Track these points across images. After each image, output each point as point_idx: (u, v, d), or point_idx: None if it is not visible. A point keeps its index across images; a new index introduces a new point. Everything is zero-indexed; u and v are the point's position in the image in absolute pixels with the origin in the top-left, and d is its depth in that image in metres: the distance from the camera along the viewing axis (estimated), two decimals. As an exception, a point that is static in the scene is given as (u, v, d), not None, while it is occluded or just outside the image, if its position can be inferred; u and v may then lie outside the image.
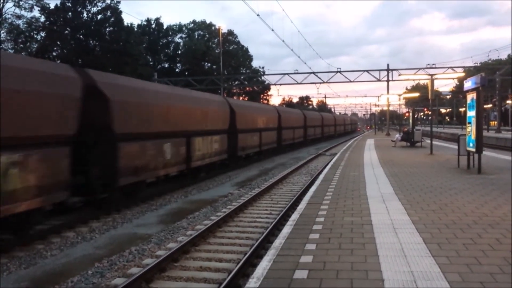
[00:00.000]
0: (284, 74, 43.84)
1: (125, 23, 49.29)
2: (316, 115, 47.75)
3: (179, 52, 63.04)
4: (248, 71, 68.28)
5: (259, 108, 27.68)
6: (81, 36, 46.10)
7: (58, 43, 45.59)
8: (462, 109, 74.95)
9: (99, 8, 46.83)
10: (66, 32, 45.36)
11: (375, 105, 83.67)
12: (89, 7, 46.48)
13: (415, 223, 6.46)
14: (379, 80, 42.30)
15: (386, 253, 5.03)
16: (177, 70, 61.64)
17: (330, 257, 4.99)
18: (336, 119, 62.88)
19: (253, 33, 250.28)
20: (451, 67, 40.74)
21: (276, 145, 28.87)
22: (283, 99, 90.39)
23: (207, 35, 65.77)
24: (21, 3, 41.21)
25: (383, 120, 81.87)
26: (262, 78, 62.58)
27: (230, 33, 69.52)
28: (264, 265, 4.78)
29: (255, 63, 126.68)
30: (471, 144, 12.72)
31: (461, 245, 5.31)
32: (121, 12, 47.49)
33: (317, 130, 45.26)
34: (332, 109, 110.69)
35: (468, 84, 12.92)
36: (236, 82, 57.55)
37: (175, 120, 13.73)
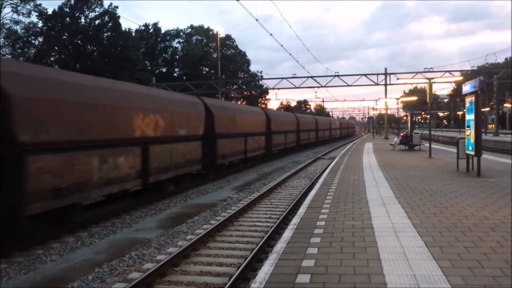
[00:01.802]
0: (282, 78, 43.92)
1: (123, 28, 49.46)
2: (289, 117, 36.25)
3: (177, 56, 63.16)
4: (246, 75, 68.44)
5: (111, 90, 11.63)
6: (79, 41, 46.12)
7: (56, 48, 45.61)
8: (459, 113, 75.17)
9: (97, 13, 46.95)
10: (64, 37, 45.40)
11: (373, 108, 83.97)
12: (86, 12, 46.59)
13: (416, 226, 6.45)
14: (377, 84, 42.48)
15: (388, 257, 5.01)
16: (175, 74, 61.72)
17: (332, 261, 4.97)
18: (318, 123, 48.32)
19: (252, 37, 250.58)
20: (449, 71, 40.96)
21: (200, 166, 16.22)
22: (281, 103, 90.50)
23: (204, 40, 65.93)
24: (19, 8, 41.32)
25: (381, 124, 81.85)
26: (260, 82, 62.78)
27: (228, 37, 69.73)
28: (266, 269, 4.76)
29: (253, 68, 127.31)
30: (470, 147, 12.74)
31: (463, 248, 5.30)
32: (118, 17, 47.70)
33: (289, 137, 33.93)
34: (330, 113, 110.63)
35: (466, 88, 12.96)
36: (234, 87, 57.58)
37: None
